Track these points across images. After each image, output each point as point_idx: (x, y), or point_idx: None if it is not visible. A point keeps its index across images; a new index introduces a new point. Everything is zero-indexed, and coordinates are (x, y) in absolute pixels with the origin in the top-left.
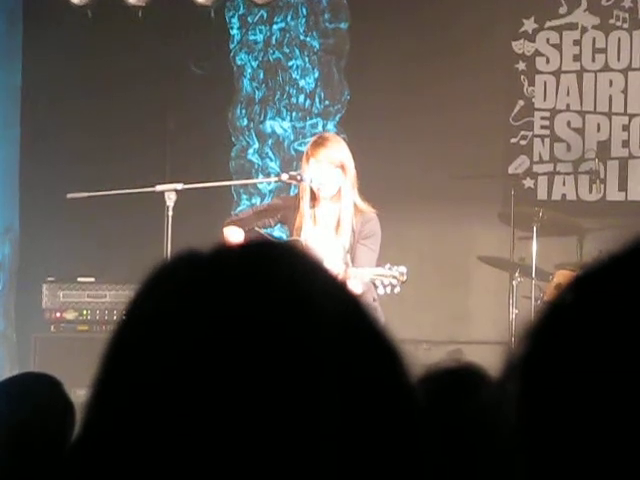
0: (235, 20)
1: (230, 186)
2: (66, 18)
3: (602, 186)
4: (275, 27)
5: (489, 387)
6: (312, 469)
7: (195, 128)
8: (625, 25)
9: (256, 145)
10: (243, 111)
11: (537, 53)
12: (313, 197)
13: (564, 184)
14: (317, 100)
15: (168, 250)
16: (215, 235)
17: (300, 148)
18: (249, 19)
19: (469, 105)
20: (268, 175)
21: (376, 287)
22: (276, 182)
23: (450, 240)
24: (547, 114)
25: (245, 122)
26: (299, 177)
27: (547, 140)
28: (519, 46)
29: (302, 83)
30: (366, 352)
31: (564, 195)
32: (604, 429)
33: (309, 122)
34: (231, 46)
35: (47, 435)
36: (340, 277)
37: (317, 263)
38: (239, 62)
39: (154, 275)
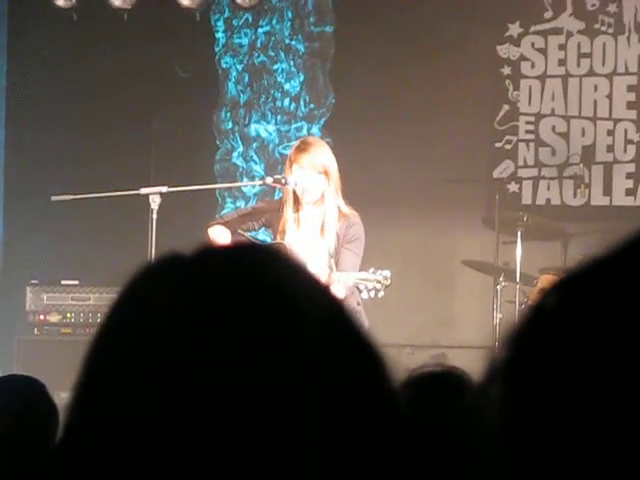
0: (220, 23)
1: (214, 189)
2: (51, 20)
3: (587, 191)
4: (260, 30)
5: (472, 391)
6: (296, 475)
7: (180, 131)
8: (610, 30)
9: (241, 148)
10: (228, 114)
11: (522, 57)
12: (297, 201)
13: (549, 189)
14: (302, 103)
15: (152, 253)
16: (199, 238)
17: (285, 151)
18: (234, 22)
19: (454, 109)
20: (253, 178)
21: (360, 291)
22: (260, 185)
23: (434, 244)
24: (532, 119)
25: (230, 125)
26: (283, 181)
27: (532, 145)
28: (504, 50)
29: (287, 86)
30: (349, 357)
31: (548, 200)
32: (586, 432)
33: (294, 125)
34: (216, 49)
35: (31, 437)
36: (324, 281)
37: (301, 267)
38: (224, 65)
39: (137, 277)
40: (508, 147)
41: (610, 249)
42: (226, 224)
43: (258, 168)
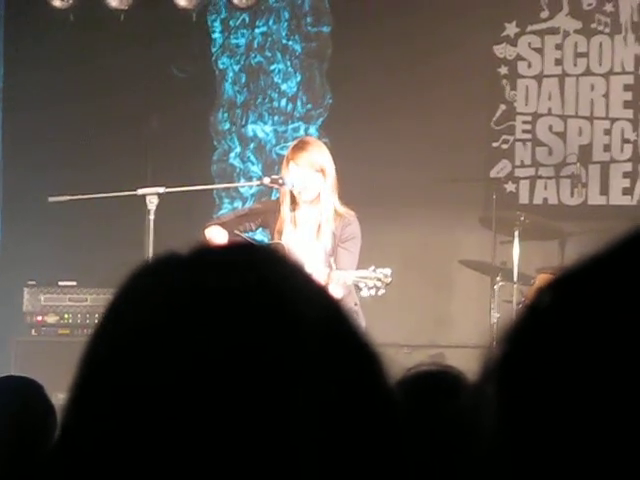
0: (217, 24)
1: (212, 190)
2: (48, 21)
3: (584, 190)
4: (257, 31)
5: (467, 390)
6: (293, 474)
7: (177, 132)
8: (607, 29)
9: (238, 149)
10: (225, 115)
11: (519, 57)
12: (293, 201)
13: (546, 188)
14: (299, 104)
15: (150, 254)
16: (197, 239)
17: (282, 152)
18: (231, 23)
19: (451, 109)
20: (250, 179)
21: (360, 289)
22: (258, 186)
23: (432, 244)
24: (529, 118)
25: (227, 126)
26: (281, 181)
27: (529, 144)
28: (501, 50)
29: (284, 87)
30: (346, 356)
31: (546, 199)
32: (583, 429)
33: (291, 126)
34: (213, 50)
35: (29, 438)
36: (323, 281)
37: (298, 266)
38: (221, 66)
39: (134, 277)
40: (505, 147)
41: (605, 248)
42: (223, 225)
43: (255, 169)
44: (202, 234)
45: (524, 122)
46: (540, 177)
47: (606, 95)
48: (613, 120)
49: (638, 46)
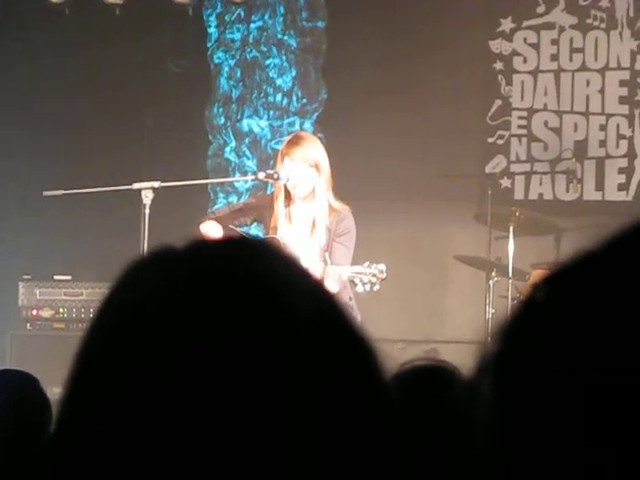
0: (213, 18)
1: (207, 184)
2: (43, 15)
3: (579, 186)
4: (253, 26)
5: (462, 384)
6: (288, 469)
7: (172, 126)
8: (602, 25)
9: (233, 143)
10: (220, 109)
11: (514, 52)
12: (288, 196)
13: (541, 184)
14: (294, 99)
15: (145, 248)
16: (192, 233)
17: (277, 147)
18: (227, 17)
19: (446, 104)
20: (245, 174)
21: (355, 285)
22: (253, 181)
23: (427, 239)
24: (524, 114)
25: (222, 120)
26: (276, 176)
27: (524, 140)
28: (496, 45)
29: (279, 82)
30: (341, 350)
31: (541, 195)
32: (578, 424)
33: (286, 121)
34: (209, 44)
35: (26, 432)
36: (318, 275)
37: (294, 261)
38: (216, 60)
39: (130, 270)
40: (500, 142)
41: (601, 243)
42: (218, 219)
43: (250, 163)
44: (197, 229)
45: (520, 117)
46: (535, 172)
47: (602, 91)
48: (609, 116)
49: (634, 42)
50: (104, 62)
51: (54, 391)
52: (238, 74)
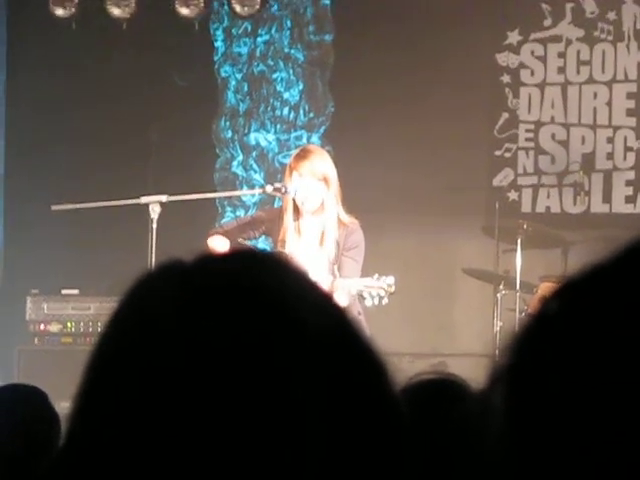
0: (219, 32)
1: (214, 198)
2: (50, 30)
3: (586, 198)
4: (259, 39)
5: (472, 398)
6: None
7: (179, 140)
8: (609, 37)
9: (240, 157)
10: (227, 123)
11: (521, 65)
12: (296, 209)
13: (548, 196)
14: (301, 112)
15: (152, 262)
16: (199, 247)
17: (284, 160)
18: (233, 31)
19: (453, 117)
20: (252, 187)
21: (364, 298)
22: (260, 194)
23: (434, 252)
24: (531, 126)
25: (229, 134)
26: (283, 189)
27: (531, 152)
28: (503, 58)
29: (286, 95)
30: (351, 363)
31: (548, 207)
32: (593, 436)
33: (293, 134)
34: (215, 58)
35: (35, 447)
36: (327, 289)
37: (303, 274)
38: (223, 74)
39: (138, 284)
40: (508, 155)
41: (609, 255)
42: (226, 233)
43: (258, 177)
44: (205, 243)
45: (527, 130)
46: (543, 185)
47: (609, 103)
48: (616, 128)
49: None
50: (111, 76)
51: (62, 405)
52: (245, 88)
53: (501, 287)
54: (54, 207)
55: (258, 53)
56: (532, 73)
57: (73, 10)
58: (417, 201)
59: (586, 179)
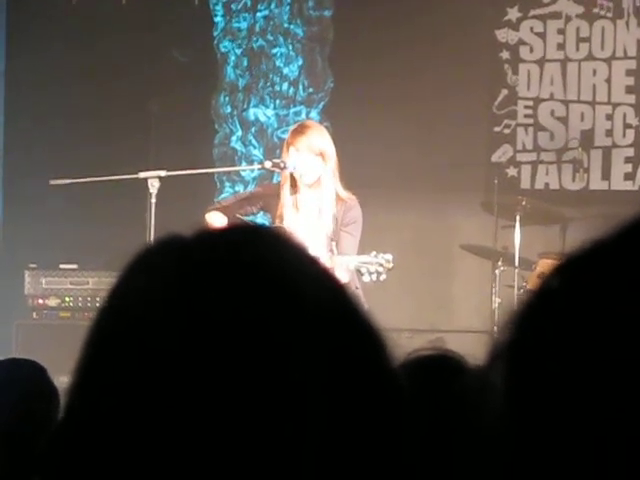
0: (219, 7)
1: (213, 173)
2: (51, 5)
3: (585, 175)
4: (259, 15)
5: (468, 373)
6: (298, 456)
7: (178, 115)
8: (609, 14)
9: (239, 132)
10: (226, 98)
11: (521, 42)
12: (294, 185)
13: (547, 173)
14: (301, 88)
15: (151, 237)
16: (198, 222)
17: (283, 136)
18: (233, 7)
19: (452, 94)
20: (251, 162)
21: (362, 274)
22: (259, 169)
23: (433, 228)
24: (531, 103)
25: (228, 109)
26: (282, 164)
27: (530, 129)
28: (503, 35)
29: (286, 71)
30: (350, 337)
31: (547, 184)
32: (591, 415)
33: (292, 110)
34: (215, 33)
35: (34, 420)
36: (326, 264)
37: (302, 248)
38: (223, 50)
39: (137, 259)
40: (507, 131)
41: (610, 231)
42: (224, 209)
43: (257, 152)
44: (203, 218)
45: (526, 107)
46: (542, 162)
47: (608, 80)
48: (615, 105)
49: None
50: (110, 51)
51: (61, 380)
52: (244, 63)
53: (500, 263)
54: (53, 182)
55: (257, 28)
56: (531, 50)
57: None
58: (416, 177)
59: (585, 156)
